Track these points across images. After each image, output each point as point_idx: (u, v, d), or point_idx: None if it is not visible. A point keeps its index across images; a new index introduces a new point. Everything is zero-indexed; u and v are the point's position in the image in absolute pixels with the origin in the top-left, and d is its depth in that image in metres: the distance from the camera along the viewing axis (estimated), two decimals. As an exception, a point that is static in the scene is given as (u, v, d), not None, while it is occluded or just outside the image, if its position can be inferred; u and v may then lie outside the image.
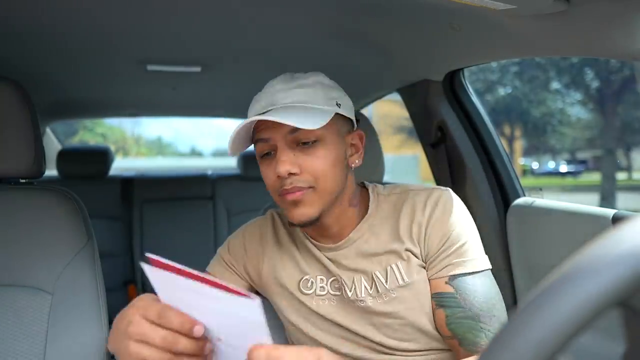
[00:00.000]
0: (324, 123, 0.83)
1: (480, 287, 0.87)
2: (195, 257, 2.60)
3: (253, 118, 0.83)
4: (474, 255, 0.89)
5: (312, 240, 0.97)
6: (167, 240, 2.63)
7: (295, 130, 0.84)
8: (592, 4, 0.86)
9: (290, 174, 0.84)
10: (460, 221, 0.91)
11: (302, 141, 0.85)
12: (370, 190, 0.98)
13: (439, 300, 0.89)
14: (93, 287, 1.06)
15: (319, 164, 0.85)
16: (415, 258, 0.91)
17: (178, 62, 1.75)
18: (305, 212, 0.86)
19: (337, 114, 0.89)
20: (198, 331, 0.59)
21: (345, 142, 0.92)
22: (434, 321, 0.91)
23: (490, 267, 0.91)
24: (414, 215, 0.92)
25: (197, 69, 1.82)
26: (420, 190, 0.95)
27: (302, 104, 0.85)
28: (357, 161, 0.94)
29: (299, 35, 1.44)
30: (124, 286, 2.56)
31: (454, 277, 0.88)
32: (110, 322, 1.10)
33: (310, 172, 0.85)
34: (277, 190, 0.87)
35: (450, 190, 0.95)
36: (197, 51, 1.63)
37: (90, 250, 1.08)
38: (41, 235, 1.06)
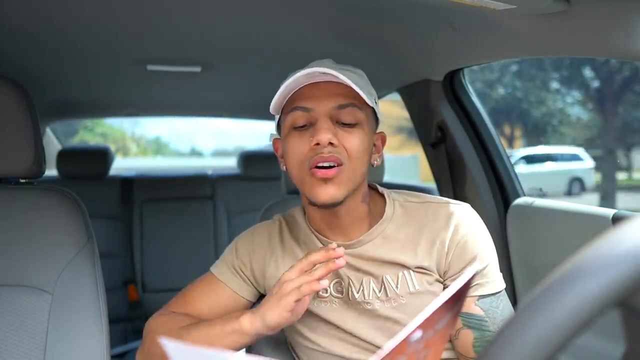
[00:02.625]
0: (372, 103, 0.86)
1: (503, 309, 0.89)
2: (195, 257, 2.61)
3: (321, 69, 0.80)
4: (495, 276, 0.90)
5: (320, 236, 0.96)
6: (167, 240, 2.63)
7: (341, 107, 0.85)
8: (592, 4, 0.86)
9: (330, 143, 0.83)
10: (484, 241, 0.91)
11: (343, 121, 0.86)
12: (386, 195, 0.97)
13: (467, 320, 0.87)
14: (93, 287, 1.06)
15: (356, 143, 0.85)
16: (428, 273, 0.90)
17: (178, 62, 1.75)
18: (333, 192, 0.84)
19: (372, 110, 0.91)
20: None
21: (372, 139, 0.93)
22: (455, 339, 0.89)
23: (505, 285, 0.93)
24: (436, 231, 0.90)
25: (197, 69, 1.81)
26: (441, 204, 0.94)
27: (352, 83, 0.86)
28: (377, 160, 0.95)
29: (299, 35, 1.44)
30: (124, 286, 2.56)
31: (481, 297, 0.88)
32: (111, 321, 1.10)
33: (347, 147, 0.85)
34: (308, 163, 0.84)
35: (470, 207, 0.95)
36: (197, 51, 1.63)
37: (90, 250, 1.08)
38: (41, 235, 1.06)
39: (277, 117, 0.94)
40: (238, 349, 0.85)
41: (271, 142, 1.00)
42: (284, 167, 0.93)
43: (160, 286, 2.57)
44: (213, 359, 0.51)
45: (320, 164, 0.83)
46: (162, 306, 1.04)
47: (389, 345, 0.43)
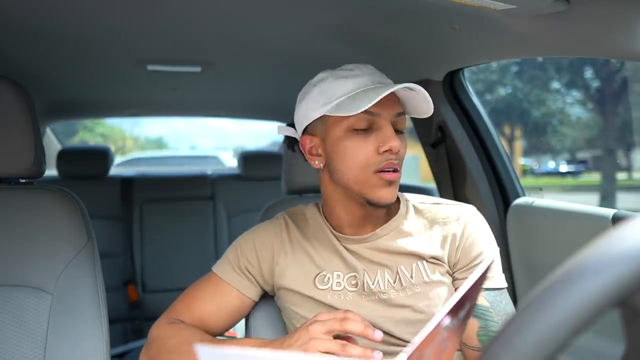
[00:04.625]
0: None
1: (506, 305, 0.92)
2: (195, 257, 2.61)
3: (404, 85, 0.88)
4: (498, 273, 0.94)
5: (335, 232, 0.98)
6: (167, 240, 2.63)
7: (398, 115, 0.91)
8: (592, 4, 0.86)
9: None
10: (490, 238, 0.97)
11: (397, 128, 0.91)
12: (399, 195, 1.02)
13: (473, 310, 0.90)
14: (93, 287, 1.06)
15: (405, 149, 0.92)
16: (440, 264, 0.94)
17: (178, 62, 1.75)
18: (394, 193, 0.91)
19: None
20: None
21: None
22: None
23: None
24: (447, 227, 0.96)
25: (197, 69, 1.82)
26: (450, 205, 1.00)
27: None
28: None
29: (299, 35, 1.44)
30: (124, 286, 2.56)
31: (487, 290, 0.91)
32: (111, 321, 1.10)
33: (400, 154, 0.91)
34: (374, 167, 0.88)
35: (475, 208, 1.00)
36: (197, 51, 1.64)
37: (90, 250, 1.08)
38: (41, 235, 1.06)
39: (304, 118, 0.96)
40: None
41: (291, 136, 1.04)
42: (319, 164, 0.95)
43: (160, 286, 2.57)
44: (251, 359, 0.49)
45: (387, 169, 0.88)
46: (162, 306, 1.03)
47: (423, 332, 0.43)
